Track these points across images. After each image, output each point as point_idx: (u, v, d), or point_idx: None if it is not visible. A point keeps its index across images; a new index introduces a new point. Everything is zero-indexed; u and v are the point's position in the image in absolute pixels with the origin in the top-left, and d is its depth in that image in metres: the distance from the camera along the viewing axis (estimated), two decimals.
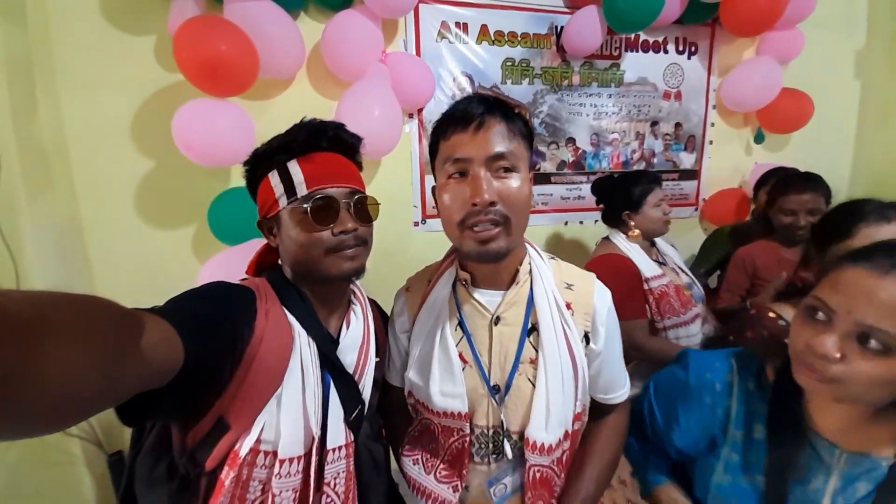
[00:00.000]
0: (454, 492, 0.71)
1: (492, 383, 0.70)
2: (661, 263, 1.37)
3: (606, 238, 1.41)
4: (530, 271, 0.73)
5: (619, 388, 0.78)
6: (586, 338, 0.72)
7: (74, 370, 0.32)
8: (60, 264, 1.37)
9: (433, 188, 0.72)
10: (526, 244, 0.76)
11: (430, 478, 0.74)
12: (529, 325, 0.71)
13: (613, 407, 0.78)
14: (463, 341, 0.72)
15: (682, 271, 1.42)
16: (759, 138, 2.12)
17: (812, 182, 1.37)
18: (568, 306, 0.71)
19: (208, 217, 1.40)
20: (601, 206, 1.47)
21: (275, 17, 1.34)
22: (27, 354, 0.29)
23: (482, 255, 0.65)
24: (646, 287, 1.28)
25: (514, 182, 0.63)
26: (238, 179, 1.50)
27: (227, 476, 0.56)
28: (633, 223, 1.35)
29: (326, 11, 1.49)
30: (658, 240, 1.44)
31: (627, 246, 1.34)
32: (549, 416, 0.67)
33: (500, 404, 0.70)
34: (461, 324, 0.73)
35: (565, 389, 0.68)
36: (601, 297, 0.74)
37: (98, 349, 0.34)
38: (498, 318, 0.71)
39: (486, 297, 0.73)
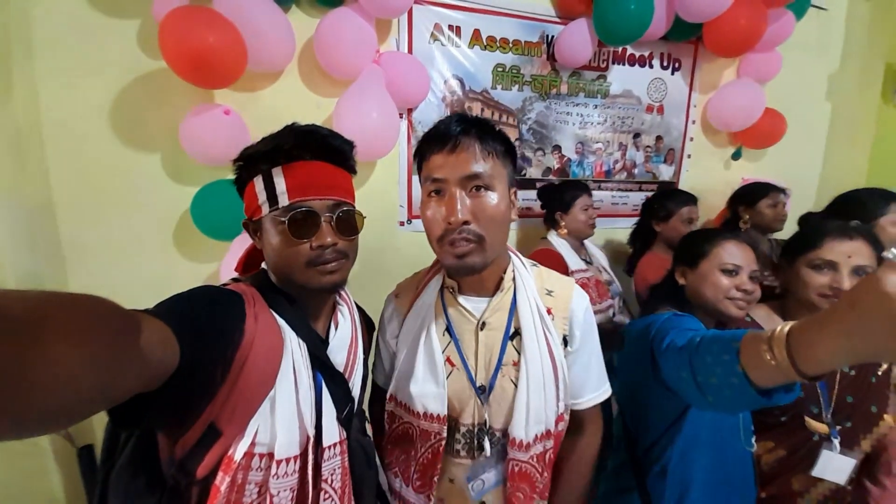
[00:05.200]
0: (428, 500, 0.76)
1: (477, 384, 0.74)
2: (588, 262, 1.63)
3: (544, 238, 1.66)
4: (514, 279, 0.77)
5: (589, 392, 0.81)
6: (564, 341, 0.76)
7: (73, 370, 0.31)
8: (32, 250, 1.33)
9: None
10: (510, 253, 0.80)
11: (409, 490, 0.78)
12: (512, 330, 0.75)
13: (583, 418, 0.82)
14: (451, 346, 0.76)
15: (605, 270, 1.71)
16: (736, 155, 2.22)
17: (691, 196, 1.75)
18: (549, 311, 0.76)
19: (191, 210, 1.38)
20: (544, 209, 1.70)
21: (266, 9, 1.32)
22: (25, 354, 0.29)
23: (459, 269, 0.70)
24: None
25: (489, 200, 0.67)
26: (220, 174, 1.47)
27: (222, 481, 0.56)
28: (563, 223, 1.61)
29: (319, 7, 1.48)
30: (587, 242, 1.72)
31: (558, 242, 1.59)
32: (528, 415, 0.72)
33: (484, 403, 0.74)
34: (449, 329, 0.77)
35: (546, 390, 0.73)
36: (579, 302, 0.80)
37: (97, 349, 0.34)
38: (483, 324, 0.75)
39: (472, 304, 0.77)
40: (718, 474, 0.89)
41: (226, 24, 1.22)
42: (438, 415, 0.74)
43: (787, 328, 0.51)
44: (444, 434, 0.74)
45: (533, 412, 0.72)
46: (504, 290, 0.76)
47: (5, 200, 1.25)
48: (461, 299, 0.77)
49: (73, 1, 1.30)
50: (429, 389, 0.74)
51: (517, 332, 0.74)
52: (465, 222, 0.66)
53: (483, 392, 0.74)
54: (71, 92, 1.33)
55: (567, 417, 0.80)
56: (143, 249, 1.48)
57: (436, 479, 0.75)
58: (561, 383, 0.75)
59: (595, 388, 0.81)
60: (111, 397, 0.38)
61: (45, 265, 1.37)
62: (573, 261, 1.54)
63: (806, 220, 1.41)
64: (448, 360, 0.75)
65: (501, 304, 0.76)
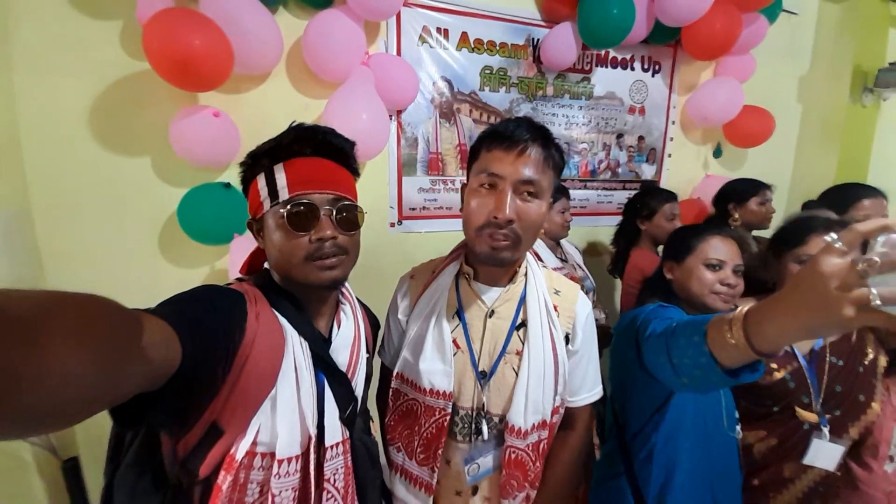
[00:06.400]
0: (432, 472, 0.78)
1: (479, 369, 0.78)
2: (563, 260, 1.68)
3: None
4: (526, 273, 0.81)
5: (586, 391, 0.85)
6: (567, 338, 0.80)
7: (75, 370, 0.31)
8: (9, 259, 1.28)
9: (462, 185, 0.79)
10: None
11: (413, 462, 0.80)
12: (519, 321, 0.78)
13: (576, 415, 0.86)
14: (459, 328, 0.79)
15: (580, 267, 1.75)
16: (717, 153, 2.29)
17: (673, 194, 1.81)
18: (555, 308, 0.80)
19: (178, 214, 1.36)
20: None
21: (253, 10, 1.31)
22: (27, 354, 0.29)
23: (490, 260, 0.74)
24: None
25: (534, 207, 0.71)
26: (204, 177, 1.45)
27: (224, 481, 0.56)
28: None
29: (307, 8, 1.47)
30: (563, 241, 1.76)
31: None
32: (527, 404, 0.75)
33: (483, 388, 0.77)
34: (459, 312, 0.80)
35: (546, 381, 0.76)
36: (583, 305, 0.84)
37: (99, 348, 0.34)
38: (493, 311, 0.79)
39: (485, 292, 0.80)
40: (702, 459, 0.93)
41: (211, 26, 1.20)
42: (444, 391, 0.76)
43: (745, 309, 0.55)
44: (449, 410, 0.77)
45: (531, 401, 0.75)
46: (516, 283, 0.80)
47: None
48: (475, 286, 0.81)
49: (52, 2, 1.26)
50: (436, 366, 0.77)
51: (523, 323, 0.78)
52: (510, 221, 0.70)
53: (484, 377, 0.78)
54: (50, 95, 1.30)
55: (562, 411, 0.83)
56: (127, 256, 1.44)
57: (440, 452, 0.77)
58: (560, 377, 0.78)
59: (590, 389, 0.86)
60: (112, 396, 0.38)
61: (23, 274, 1.33)
62: (549, 259, 1.59)
63: (807, 209, 1.56)
64: (454, 342, 0.79)
65: (512, 294, 0.80)
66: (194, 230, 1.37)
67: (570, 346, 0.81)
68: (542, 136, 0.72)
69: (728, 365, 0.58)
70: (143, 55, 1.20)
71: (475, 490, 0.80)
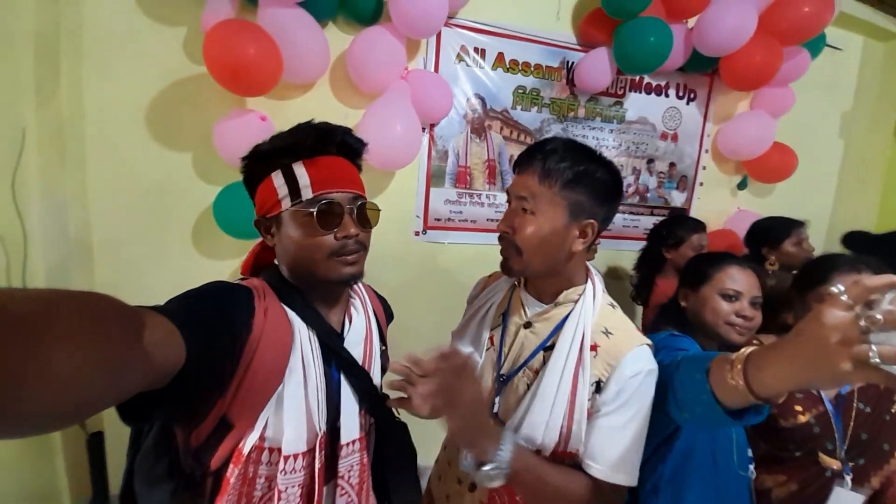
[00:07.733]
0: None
1: (501, 371, 0.80)
2: None
3: None
4: (576, 301, 0.76)
5: (598, 462, 0.68)
6: (598, 385, 0.71)
7: (78, 369, 0.32)
8: (63, 243, 1.38)
9: None
10: (590, 280, 0.79)
11: None
12: (549, 343, 0.76)
13: (597, 483, 0.69)
14: (498, 329, 0.83)
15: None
16: (742, 185, 2.25)
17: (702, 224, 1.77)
18: (593, 347, 0.72)
19: (213, 209, 1.43)
20: None
21: (305, 24, 1.39)
22: (31, 354, 0.29)
23: (501, 267, 0.79)
24: None
25: (528, 220, 0.72)
26: (238, 176, 1.52)
27: (232, 473, 0.57)
28: None
29: (354, 24, 1.56)
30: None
31: None
32: (522, 425, 0.71)
33: (499, 391, 0.79)
34: (505, 314, 0.84)
35: (553, 415, 0.70)
36: (635, 361, 0.70)
37: (102, 348, 0.34)
38: (529, 324, 0.80)
39: (529, 303, 0.82)
40: (711, 496, 0.88)
41: (266, 39, 1.30)
42: None
43: (748, 352, 0.54)
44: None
45: (527, 425, 0.70)
46: (559, 305, 0.77)
47: (42, 193, 1.31)
48: (522, 294, 0.83)
49: (123, 5, 1.38)
50: (467, 351, 0.81)
51: (553, 347, 0.75)
52: (504, 232, 0.75)
53: (501, 380, 0.79)
54: (114, 91, 1.41)
55: (567, 459, 0.72)
56: (170, 245, 1.53)
57: None
58: (575, 424, 0.70)
59: (604, 463, 0.68)
60: (117, 395, 0.38)
61: (73, 257, 1.42)
62: None
63: (851, 238, 1.53)
64: (491, 338, 0.83)
65: (552, 315, 0.78)
66: (228, 224, 1.44)
67: (598, 394, 0.71)
68: (551, 152, 0.72)
69: (729, 405, 0.56)
70: (201, 59, 1.30)
71: (472, 487, 0.79)
